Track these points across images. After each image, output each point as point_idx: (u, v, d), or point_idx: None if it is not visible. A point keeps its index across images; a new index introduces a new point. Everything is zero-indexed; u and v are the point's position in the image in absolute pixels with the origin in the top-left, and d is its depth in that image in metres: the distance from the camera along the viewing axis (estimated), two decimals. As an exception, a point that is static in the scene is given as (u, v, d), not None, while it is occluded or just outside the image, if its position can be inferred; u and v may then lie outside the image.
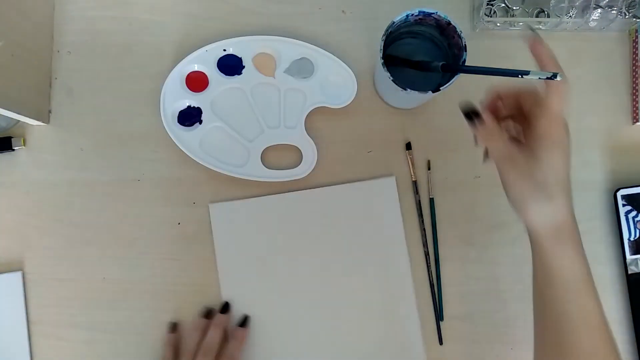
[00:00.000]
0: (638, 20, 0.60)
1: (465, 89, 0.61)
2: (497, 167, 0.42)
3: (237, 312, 0.58)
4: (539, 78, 0.40)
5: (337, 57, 0.59)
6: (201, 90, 0.59)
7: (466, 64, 0.50)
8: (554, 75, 0.39)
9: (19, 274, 0.58)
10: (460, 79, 0.51)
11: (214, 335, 0.52)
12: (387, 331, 0.58)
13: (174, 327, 0.56)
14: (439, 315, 0.58)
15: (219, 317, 0.54)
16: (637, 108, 0.61)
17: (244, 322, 0.55)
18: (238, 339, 0.53)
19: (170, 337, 0.56)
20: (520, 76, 0.41)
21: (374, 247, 0.59)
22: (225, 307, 0.55)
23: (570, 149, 0.40)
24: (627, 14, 0.60)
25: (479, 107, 0.43)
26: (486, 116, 0.42)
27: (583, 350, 0.41)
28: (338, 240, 0.59)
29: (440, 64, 0.51)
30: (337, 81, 0.60)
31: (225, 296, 0.58)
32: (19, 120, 0.58)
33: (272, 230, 0.59)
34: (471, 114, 0.42)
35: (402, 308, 0.58)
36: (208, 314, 0.56)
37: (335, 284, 0.58)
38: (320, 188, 0.59)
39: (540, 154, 0.39)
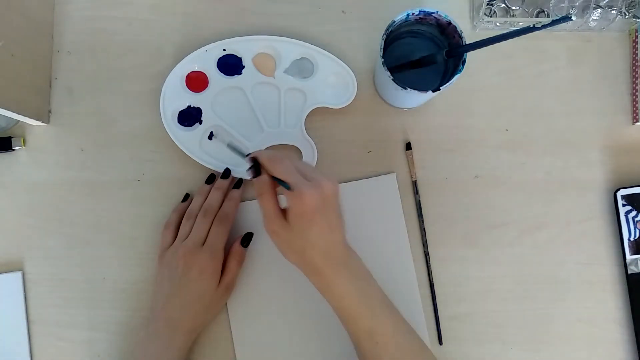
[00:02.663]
0: (638, 20, 0.60)
1: (465, 88, 0.61)
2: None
3: (242, 313, 0.58)
4: (552, 23, 0.45)
5: (337, 57, 0.59)
6: (201, 90, 0.59)
7: (466, 62, 0.50)
8: (567, 17, 0.44)
9: (19, 274, 0.58)
10: (460, 79, 0.51)
11: (214, 198, 0.56)
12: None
13: (186, 197, 0.59)
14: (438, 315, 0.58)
15: (219, 182, 0.58)
16: (637, 108, 0.61)
17: (238, 184, 0.58)
18: (233, 199, 0.57)
19: (179, 205, 0.59)
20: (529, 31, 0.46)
21: (377, 244, 0.59)
22: (226, 173, 0.58)
23: (323, 216, 0.45)
24: (627, 14, 0.60)
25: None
26: (264, 172, 0.46)
27: None
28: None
29: (444, 50, 0.51)
30: (337, 81, 0.60)
31: (231, 298, 0.58)
32: (19, 120, 0.58)
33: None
34: (256, 166, 0.47)
35: (407, 305, 0.57)
36: (210, 179, 0.58)
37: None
38: (320, 188, 0.59)
39: (290, 223, 0.46)
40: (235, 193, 0.58)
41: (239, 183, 0.58)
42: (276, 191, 0.47)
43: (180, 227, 0.56)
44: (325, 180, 0.45)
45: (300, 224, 0.45)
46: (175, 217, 0.58)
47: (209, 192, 0.57)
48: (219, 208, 0.56)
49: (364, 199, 0.59)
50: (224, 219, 0.55)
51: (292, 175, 0.45)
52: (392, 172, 0.60)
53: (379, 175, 0.60)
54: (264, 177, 0.46)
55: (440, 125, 0.61)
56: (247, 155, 0.48)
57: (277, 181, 0.46)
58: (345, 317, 0.49)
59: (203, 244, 0.54)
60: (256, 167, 0.47)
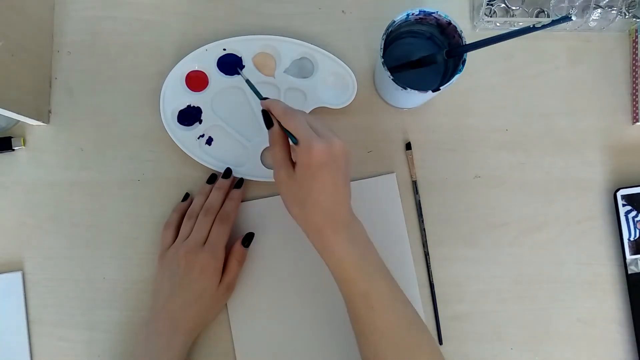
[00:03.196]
0: (638, 20, 0.60)
1: (465, 88, 0.61)
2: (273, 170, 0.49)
3: (242, 313, 0.58)
4: (552, 23, 0.45)
5: (337, 57, 0.59)
6: (201, 90, 0.59)
7: (466, 62, 0.50)
8: (567, 17, 0.44)
9: (19, 274, 0.58)
10: (460, 79, 0.51)
11: (215, 197, 0.57)
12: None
13: (186, 197, 0.59)
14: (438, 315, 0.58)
15: (220, 182, 0.58)
16: (637, 108, 0.61)
17: (239, 183, 0.58)
18: (234, 199, 0.57)
19: (179, 205, 0.59)
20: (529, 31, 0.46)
21: (377, 244, 0.58)
22: (227, 173, 0.58)
23: (333, 171, 0.46)
24: (627, 14, 0.60)
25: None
26: (275, 122, 0.48)
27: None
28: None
29: (444, 50, 0.51)
30: (337, 81, 0.60)
31: (231, 298, 0.58)
32: (19, 120, 0.58)
33: (273, 231, 0.59)
34: (269, 117, 0.49)
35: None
36: (211, 179, 0.59)
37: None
38: (320, 188, 0.59)
39: (297, 173, 0.47)
40: (236, 193, 0.58)
41: (240, 183, 0.58)
42: (288, 142, 0.48)
43: (182, 227, 0.56)
44: (336, 139, 0.46)
45: (305, 174, 0.46)
46: (176, 217, 0.58)
47: (210, 191, 0.57)
48: (220, 208, 0.56)
49: (364, 199, 0.59)
50: (225, 218, 0.56)
51: (303, 129, 0.45)
52: (392, 172, 0.60)
53: (379, 175, 0.60)
54: (275, 128, 0.48)
55: (440, 125, 0.61)
56: (263, 99, 0.49)
57: (287, 134, 0.47)
58: (341, 279, 0.48)
59: (204, 244, 0.54)
60: (268, 118, 0.48)
